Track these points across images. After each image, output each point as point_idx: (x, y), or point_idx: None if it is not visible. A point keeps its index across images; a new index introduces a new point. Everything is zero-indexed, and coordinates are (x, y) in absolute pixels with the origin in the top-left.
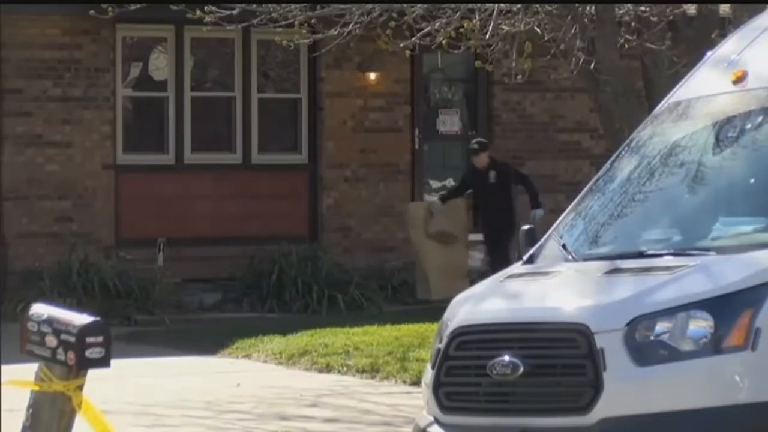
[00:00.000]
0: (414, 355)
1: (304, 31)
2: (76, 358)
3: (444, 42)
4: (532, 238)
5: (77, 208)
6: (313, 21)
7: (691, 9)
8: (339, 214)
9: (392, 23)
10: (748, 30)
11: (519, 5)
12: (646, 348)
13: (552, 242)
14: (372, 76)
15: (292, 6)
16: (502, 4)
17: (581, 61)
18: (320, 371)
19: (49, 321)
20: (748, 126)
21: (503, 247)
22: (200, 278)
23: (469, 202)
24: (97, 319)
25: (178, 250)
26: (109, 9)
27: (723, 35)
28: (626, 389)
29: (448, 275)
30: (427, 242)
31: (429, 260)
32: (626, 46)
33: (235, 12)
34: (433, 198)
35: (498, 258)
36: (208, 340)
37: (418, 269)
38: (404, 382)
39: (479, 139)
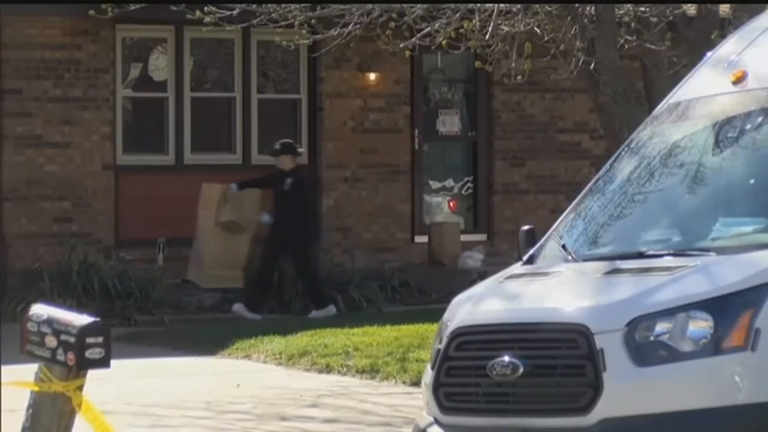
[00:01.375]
0: (414, 356)
1: (303, 31)
2: (75, 358)
3: (444, 42)
4: (532, 238)
5: (77, 208)
6: (312, 21)
7: (691, 9)
8: (339, 214)
9: (392, 24)
10: (747, 30)
11: (519, 6)
12: (646, 348)
13: (552, 243)
14: (372, 76)
15: (292, 6)
16: (501, 5)
17: (581, 61)
18: (320, 372)
19: (49, 321)
20: (748, 126)
21: (297, 256)
22: None
23: (265, 195)
24: (97, 319)
25: (177, 251)
26: (109, 9)
27: (723, 36)
28: (626, 390)
29: (225, 265)
30: (213, 229)
31: (211, 248)
32: (626, 46)
33: (234, 12)
34: (437, 199)
35: (268, 265)
36: (208, 341)
37: (194, 251)
38: (404, 382)
39: (284, 141)
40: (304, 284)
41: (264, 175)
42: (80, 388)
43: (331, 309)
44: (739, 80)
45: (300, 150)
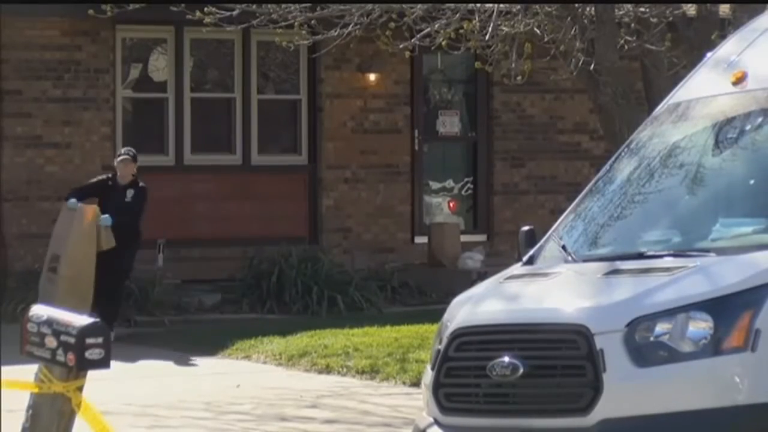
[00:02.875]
0: (414, 356)
1: (303, 32)
2: (75, 359)
3: (444, 43)
4: (532, 239)
5: None
6: (312, 22)
7: (691, 10)
8: (339, 215)
9: (392, 24)
10: (747, 31)
11: (518, 6)
12: (645, 349)
13: (552, 243)
14: (372, 77)
15: (292, 7)
16: (501, 5)
17: (581, 62)
18: (320, 372)
19: (49, 322)
20: (748, 127)
21: (118, 264)
22: (200, 279)
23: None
24: (97, 320)
25: (177, 251)
26: (109, 10)
27: (723, 36)
28: (626, 390)
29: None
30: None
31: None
32: (626, 47)
33: (234, 13)
34: (437, 200)
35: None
36: (208, 341)
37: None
38: (404, 383)
39: (131, 149)
40: (108, 294)
41: (95, 180)
42: (80, 388)
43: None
44: (739, 81)
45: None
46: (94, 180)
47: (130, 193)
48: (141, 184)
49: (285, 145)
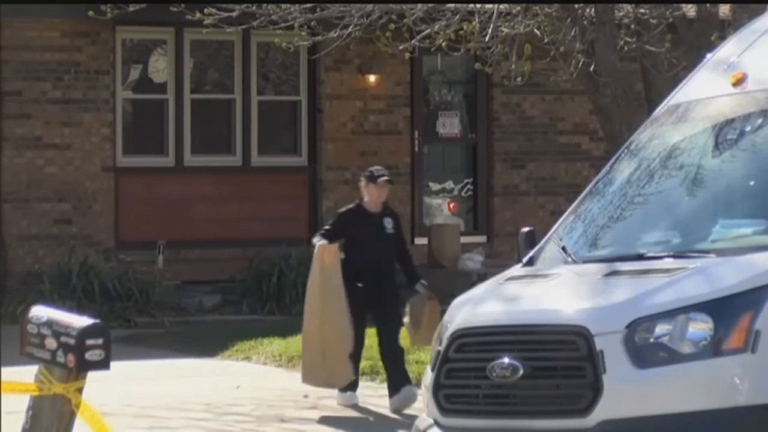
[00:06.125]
0: (414, 358)
1: (303, 33)
2: (75, 360)
3: (444, 44)
4: (532, 240)
5: (77, 210)
6: (312, 23)
7: (691, 11)
8: None
9: (392, 25)
10: (747, 32)
11: (518, 7)
12: (645, 350)
13: (552, 244)
14: (372, 78)
15: (292, 8)
16: (501, 6)
17: (581, 63)
18: None
19: (49, 323)
20: (748, 128)
21: None
22: (200, 280)
23: None
24: (97, 321)
25: (177, 253)
26: (109, 11)
27: (722, 37)
28: (626, 391)
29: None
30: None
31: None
32: (626, 48)
33: (234, 14)
34: (437, 201)
35: None
36: (208, 343)
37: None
38: None
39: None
40: None
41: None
42: (80, 389)
43: None
44: (738, 82)
45: None
46: None
47: None
48: None
49: (285, 147)
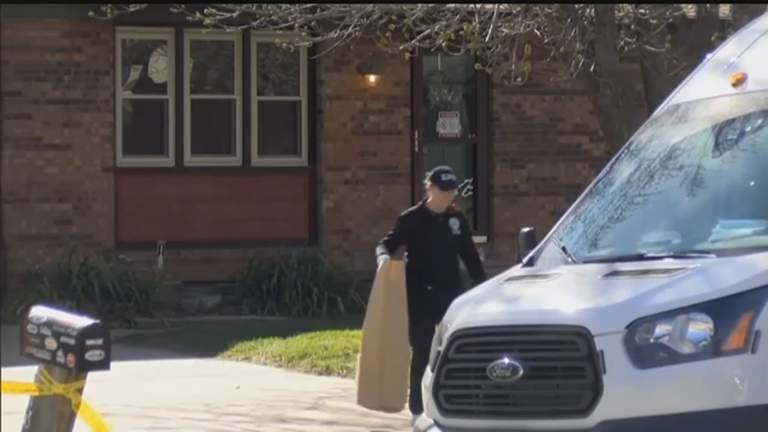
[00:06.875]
0: None
1: (303, 33)
2: (75, 360)
3: (444, 44)
4: (532, 240)
5: (77, 210)
6: (312, 23)
7: (691, 11)
8: (339, 216)
9: (392, 26)
10: (747, 33)
11: (518, 8)
12: (645, 350)
13: (552, 245)
14: (372, 78)
15: (292, 8)
16: (501, 7)
17: (581, 63)
18: (320, 374)
19: (49, 323)
20: (748, 129)
21: None
22: (200, 281)
23: None
24: (97, 321)
25: (177, 253)
26: (109, 11)
27: (722, 38)
28: (626, 392)
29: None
30: None
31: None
32: (626, 48)
33: (234, 14)
34: None
35: None
36: (208, 343)
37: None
38: None
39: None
40: None
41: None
42: (80, 390)
43: None
44: (738, 82)
45: None
46: None
47: None
48: None
49: (285, 147)
